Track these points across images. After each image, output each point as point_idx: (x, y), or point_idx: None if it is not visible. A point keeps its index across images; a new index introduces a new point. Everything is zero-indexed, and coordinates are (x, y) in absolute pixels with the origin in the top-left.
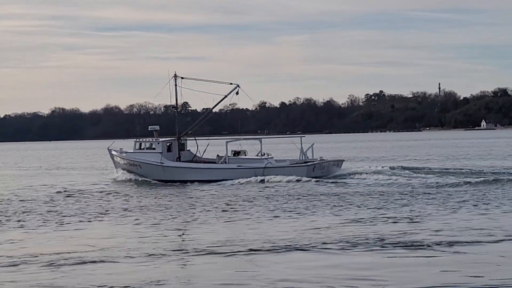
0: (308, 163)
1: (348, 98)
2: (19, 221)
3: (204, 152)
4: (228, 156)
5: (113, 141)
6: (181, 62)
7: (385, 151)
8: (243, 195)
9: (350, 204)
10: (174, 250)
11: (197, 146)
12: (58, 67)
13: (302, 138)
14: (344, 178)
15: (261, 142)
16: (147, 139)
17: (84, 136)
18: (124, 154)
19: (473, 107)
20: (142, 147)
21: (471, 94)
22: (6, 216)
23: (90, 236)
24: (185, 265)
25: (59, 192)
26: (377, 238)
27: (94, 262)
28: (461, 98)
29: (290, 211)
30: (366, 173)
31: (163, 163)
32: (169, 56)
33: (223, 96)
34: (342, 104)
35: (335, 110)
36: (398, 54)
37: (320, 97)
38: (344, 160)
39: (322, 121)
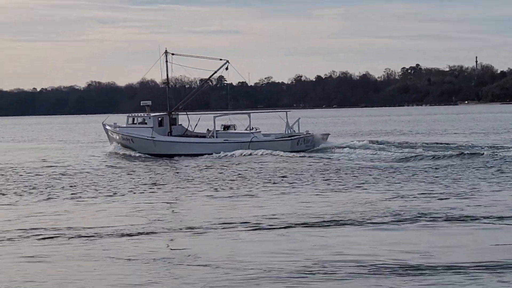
0: (293, 137)
1: (384, 71)
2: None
3: (195, 126)
4: (217, 131)
5: (107, 115)
6: (216, 35)
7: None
8: (292, 168)
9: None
10: (220, 223)
11: (189, 120)
12: (94, 40)
13: (288, 112)
14: (328, 152)
15: (249, 116)
16: (140, 114)
17: (120, 110)
18: (118, 129)
19: (510, 80)
20: (134, 122)
21: (509, 68)
22: (55, 188)
23: (128, 209)
24: (228, 238)
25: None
26: (421, 212)
27: (134, 234)
28: (498, 71)
29: (329, 186)
30: (350, 147)
31: (154, 137)
32: (204, 30)
33: (213, 72)
34: (378, 77)
35: (371, 84)
36: (434, 27)
37: (356, 71)
38: (329, 134)
39: (358, 95)
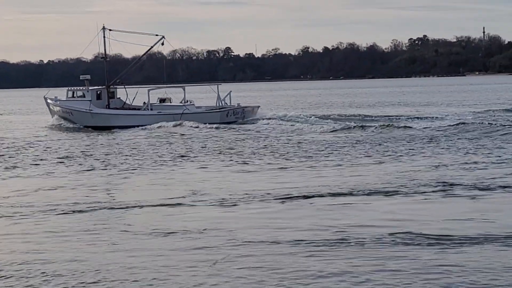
0: (222, 109)
1: (392, 42)
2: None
3: (133, 99)
4: (152, 103)
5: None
6: (224, 7)
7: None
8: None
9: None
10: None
11: (127, 94)
12: (101, 12)
13: (219, 86)
14: (256, 123)
15: (184, 90)
16: (79, 88)
17: (127, 82)
18: (58, 102)
19: None
20: (74, 96)
21: None
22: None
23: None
24: (256, 211)
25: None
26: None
27: (169, 205)
28: (506, 42)
29: (357, 157)
30: (275, 119)
31: (91, 110)
32: (213, 1)
33: (150, 47)
34: (386, 49)
35: (378, 55)
36: None
37: (363, 42)
38: (259, 106)
39: (365, 66)
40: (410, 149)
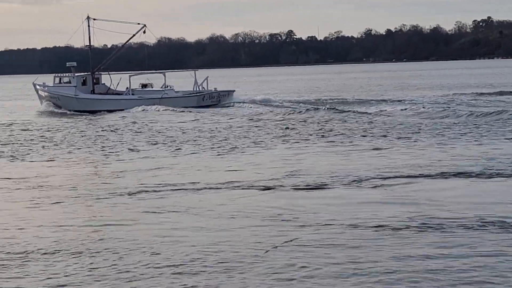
0: (198, 94)
1: (455, 24)
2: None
3: (117, 85)
4: (133, 89)
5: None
6: None
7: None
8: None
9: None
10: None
11: (111, 80)
12: None
13: (196, 72)
14: (232, 106)
15: (164, 76)
16: (66, 74)
17: (189, 66)
18: (46, 88)
19: None
20: (61, 82)
21: None
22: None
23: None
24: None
25: None
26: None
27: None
28: None
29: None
30: (246, 102)
31: (77, 95)
32: None
33: (131, 35)
34: (449, 30)
35: (441, 37)
36: None
37: (426, 24)
38: (234, 91)
39: (429, 48)
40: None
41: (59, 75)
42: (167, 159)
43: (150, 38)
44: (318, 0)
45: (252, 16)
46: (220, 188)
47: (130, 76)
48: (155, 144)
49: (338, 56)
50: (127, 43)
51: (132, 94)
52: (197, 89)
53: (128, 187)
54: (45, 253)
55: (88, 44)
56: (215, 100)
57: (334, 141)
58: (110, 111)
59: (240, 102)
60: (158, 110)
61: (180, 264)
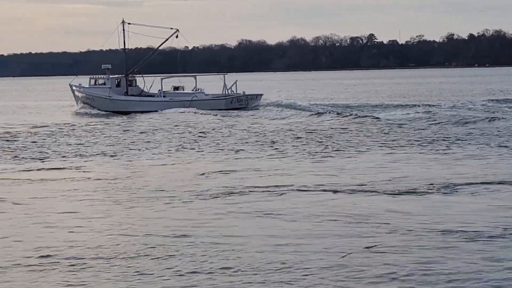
0: (227, 97)
1: None
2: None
3: (150, 87)
4: (164, 91)
5: (74, 77)
6: None
7: None
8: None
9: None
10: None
11: (144, 82)
12: None
13: (226, 76)
14: (258, 110)
15: (195, 78)
16: (101, 76)
17: (271, 69)
18: (82, 89)
19: None
20: (96, 83)
21: None
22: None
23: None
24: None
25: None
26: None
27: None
28: None
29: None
30: (275, 105)
31: (110, 96)
32: None
33: (164, 40)
34: None
35: None
36: None
37: (510, 29)
38: (262, 94)
39: None
40: None
41: (94, 76)
42: (252, 161)
43: (183, 42)
44: (400, 3)
45: (333, 19)
46: (314, 191)
47: (162, 79)
48: (245, 144)
49: (419, 60)
50: (161, 47)
51: (164, 96)
52: (226, 92)
53: (215, 188)
54: (132, 257)
55: (123, 47)
56: (243, 103)
57: (434, 148)
58: (142, 112)
59: (271, 105)
60: (195, 113)
61: (268, 271)
